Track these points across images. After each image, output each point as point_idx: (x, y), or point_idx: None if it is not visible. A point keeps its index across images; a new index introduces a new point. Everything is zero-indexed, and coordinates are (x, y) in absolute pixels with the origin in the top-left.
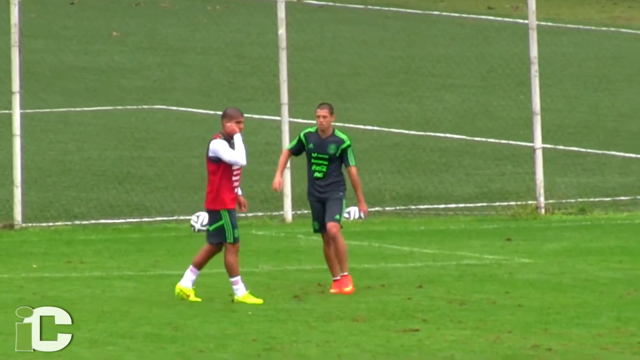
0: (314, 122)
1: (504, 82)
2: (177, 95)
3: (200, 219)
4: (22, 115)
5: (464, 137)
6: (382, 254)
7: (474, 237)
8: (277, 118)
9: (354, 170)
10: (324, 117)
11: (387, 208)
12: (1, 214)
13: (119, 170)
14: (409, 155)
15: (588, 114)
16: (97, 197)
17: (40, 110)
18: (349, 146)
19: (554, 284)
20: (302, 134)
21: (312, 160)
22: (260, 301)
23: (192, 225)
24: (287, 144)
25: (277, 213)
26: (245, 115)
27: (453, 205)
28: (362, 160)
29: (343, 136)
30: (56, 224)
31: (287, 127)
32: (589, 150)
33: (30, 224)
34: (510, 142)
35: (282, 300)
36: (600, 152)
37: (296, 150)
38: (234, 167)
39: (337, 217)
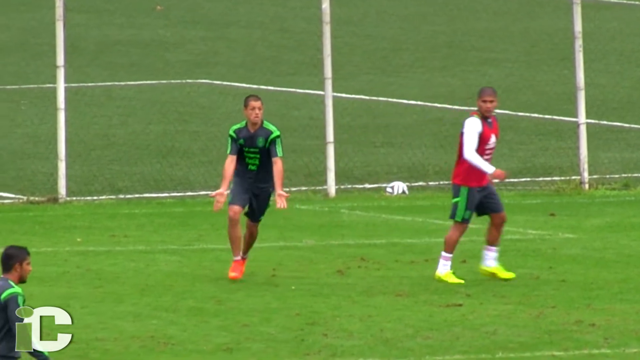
0: (357, 96)
1: (548, 56)
2: (220, 69)
3: None
4: (67, 90)
5: (507, 112)
6: (426, 229)
7: (517, 212)
8: (321, 92)
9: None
10: (259, 108)
11: (430, 183)
12: (45, 187)
13: (163, 144)
14: (453, 130)
15: (632, 89)
16: (141, 171)
17: (85, 85)
18: (277, 137)
19: (597, 259)
20: (231, 131)
21: (245, 154)
22: (462, 281)
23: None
24: (330, 118)
25: (320, 187)
26: (288, 89)
27: (496, 181)
28: (405, 135)
29: (272, 127)
30: (100, 197)
31: (330, 102)
32: (632, 125)
33: (74, 198)
34: (554, 117)
35: (325, 274)
36: None
37: (236, 151)
38: (486, 146)
39: (261, 217)
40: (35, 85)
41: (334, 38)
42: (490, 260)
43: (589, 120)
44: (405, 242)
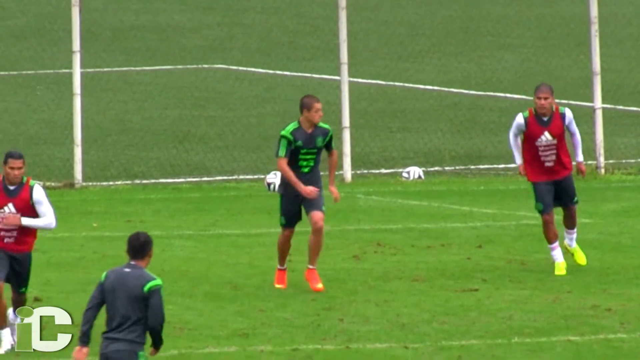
0: (373, 81)
1: (564, 42)
2: (236, 54)
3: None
4: (83, 75)
5: (523, 97)
6: (442, 214)
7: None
8: (337, 78)
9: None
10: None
11: (446, 168)
12: (62, 172)
13: (179, 129)
14: (469, 115)
15: None
16: (157, 156)
17: (101, 70)
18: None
19: (614, 244)
20: (287, 133)
21: (300, 157)
22: (563, 272)
23: (269, 184)
24: (346, 103)
25: (336, 173)
26: (305, 74)
27: (513, 165)
28: (421, 120)
29: (325, 125)
30: (116, 183)
31: (346, 87)
32: None
33: (90, 183)
34: (570, 102)
35: (341, 260)
36: None
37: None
38: (537, 143)
39: (324, 207)
40: (52, 71)
41: (350, 23)
42: (568, 241)
43: (605, 105)
44: (421, 227)
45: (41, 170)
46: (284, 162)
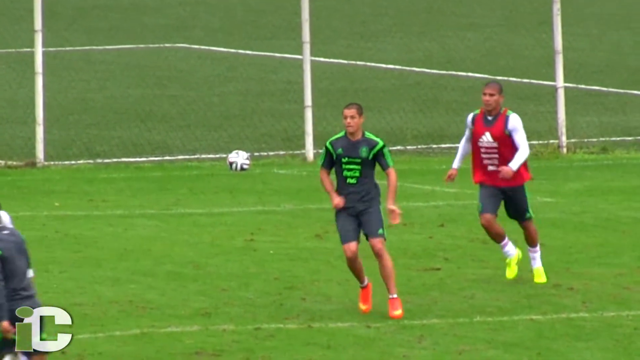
0: (335, 60)
1: (526, 20)
2: (198, 33)
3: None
4: (44, 54)
5: (486, 76)
6: (404, 193)
7: None
8: (299, 57)
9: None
10: (352, 117)
11: (408, 147)
12: (23, 152)
13: (141, 108)
14: (431, 94)
15: (610, 52)
16: (119, 135)
17: (63, 49)
18: (383, 147)
19: (576, 223)
20: (328, 142)
21: (343, 166)
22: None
23: (232, 162)
24: (308, 82)
25: (298, 152)
26: (267, 53)
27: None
28: (383, 100)
29: (375, 138)
30: (78, 162)
31: (308, 66)
32: (611, 89)
33: (52, 162)
34: (532, 81)
35: (303, 239)
36: (622, 91)
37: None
38: (479, 143)
39: (381, 231)
40: (13, 50)
41: (313, 2)
42: (531, 260)
43: (567, 85)
44: (383, 206)
45: (3, 149)
46: (321, 172)
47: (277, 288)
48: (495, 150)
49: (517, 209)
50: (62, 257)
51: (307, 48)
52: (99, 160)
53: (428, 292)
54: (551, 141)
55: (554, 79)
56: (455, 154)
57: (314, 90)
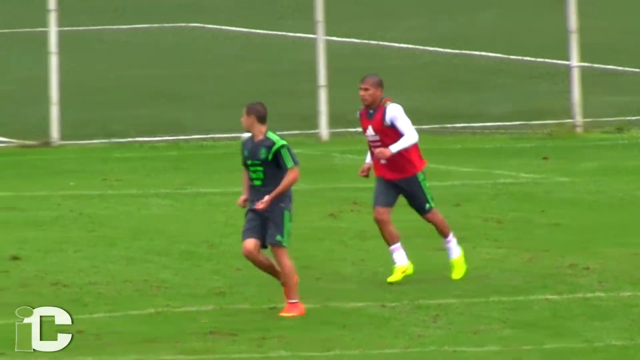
0: (349, 40)
1: None
2: (212, 13)
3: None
4: (59, 33)
5: (499, 55)
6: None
7: (510, 155)
8: (313, 36)
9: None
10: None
11: (423, 127)
12: (38, 131)
13: (156, 88)
14: (445, 73)
15: (625, 31)
16: (134, 115)
17: (77, 28)
18: (281, 147)
19: (591, 203)
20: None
21: (250, 168)
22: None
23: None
24: (322, 62)
25: (312, 131)
26: (280, 33)
27: (489, 124)
28: (397, 79)
29: (275, 137)
30: (92, 141)
31: (322, 45)
32: (626, 68)
33: (66, 142)
34: (547, 60)
35: (317, 218)
36: (638, 70)
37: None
38: (367, 138)
39: (279, 237)
40: (27, 29)
41: None
42: (447, 252)
43: (582, 64)
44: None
45: (18, 129)
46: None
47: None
48: (379, 144)
49: (415, 202)
50: (76, 237)
51: (320, 27)
52: (114, 140)
53: (443, 271)
54: (566, 121)
55: (568, 58)
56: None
57: (327, 70)
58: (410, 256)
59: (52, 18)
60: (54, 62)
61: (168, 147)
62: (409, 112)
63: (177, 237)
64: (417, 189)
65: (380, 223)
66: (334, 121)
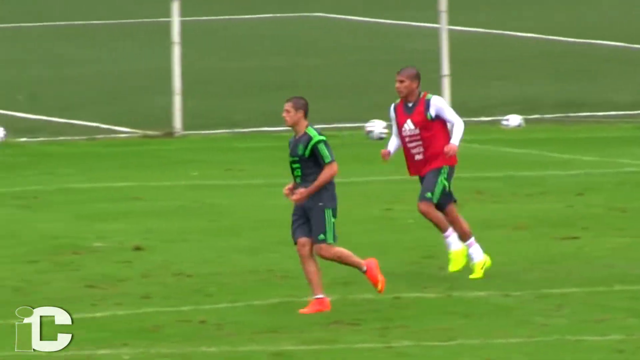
0: (472, 29)
1: None
2: (336, 3)
3: (378, 125)
4: (182, 23)
5: (623, 44)
6: (542, 162)
7: (635, 144)
8: (436, 26)
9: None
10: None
11: (546, 116)
12: (161, 121)
13: (278, 78)
14: (569, 62)
15: None
16: (257, 105)
17: (200, 18)
18: (318, 142)
19: None
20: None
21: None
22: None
23: (370, 131)
24: (445, 52)
25: None
26: (404, 22)
27: (613, 113)
28: (521, 68)
29: (312, 133)
30: (216, 131)
31: (445, 35)
32: None
33: (189, 132)
34: None
35: None
36: None
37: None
38: (402, 133)
39: (322, 236)
40: (151, 20)
41: None
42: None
43: None
44: (521, 175)
45: (141, 119)
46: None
47: (415, 257)
48: (417, 138)
49: (422, 186)
50: (199, 227)
51: (443, 17)
52: (236, 130)
53: (566, 260)
54: None
55: None
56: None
57: (451, 59)
58: (533, 245)
59: (175, 8)
60: (176, 52)
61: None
62: (533, 101)
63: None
64: (430, 177)
65: (427, 215)
66: (457, 111)
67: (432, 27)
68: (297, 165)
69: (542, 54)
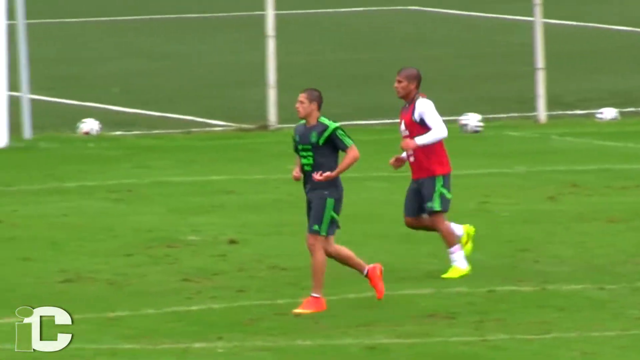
0: (567, 22)
1: None
2: None
3: (472, 118)
4: (275, 17)
5: None
6: (638, 155)
7: None
8: (530, 19)
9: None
10: (301, 102)
11: None
12: (256, 115)
13: (372, 71)
14: None
15: None
16: (352, 98)
17: (294, 12)
18: (335, 129)
19: None
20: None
21: (300, 153)
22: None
23: (464, 124)
24: (539, 44)
25: (530, 114)
26: (498, 15)
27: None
28: (616, 61)
29: (327, 122)
30: None
31: (539, 28)
32: None
33: (284, 125)
34: None
35: (536, 201)
36: None
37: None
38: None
39: (316, 227)
40: (245, 13)
41: None
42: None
43: None
44: (616, 168)
45: (235, 113)
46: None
47: (511, 250)
48: (408, 139)
49: (424, 200)
50: (294, 220)
51: (537, 10)
52: None
53: None
54: None
55: None
56: None
57: (546, 52)
58: (628, 238)
59: (269, 1)
60: (271, 45)
61: (384, 130)
62: (628, 94)
63: (395, 221)
64: (428, 188)
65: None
66: (552, 104)
67: (527, 20)
68: (309, 153)
69: (629, 45)
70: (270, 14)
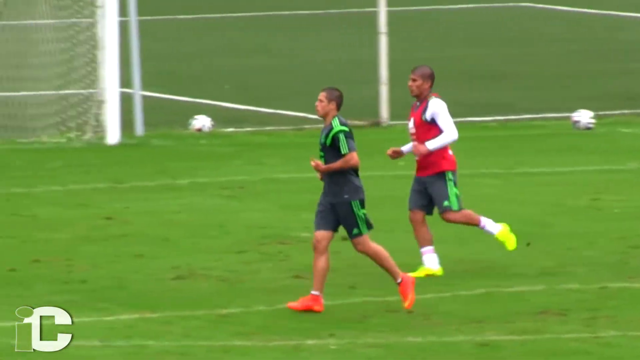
0: None
1: None
2: None
3: (584, 115)
4: (388, 13)
5: None
6: None
7: None
8: None
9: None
10: (320, 101)
11: None
12: (368, 111)
13: (484, 68)
14: None
15: None
16: (462, 94)
17: (406, 8)
18: (338, 132)
19: None
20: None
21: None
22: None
23: (576, 121)
24: None
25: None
26: (611, 12)
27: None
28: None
29: (335, 123)
30: None
31: None
32: None
33: (396, 122)
34: None
35: None
36: None
37: None
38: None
39: (356, 231)
40: (357, 10)
41: None
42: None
43: None
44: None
45: (348, 109)
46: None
47: (622, 247)
48: (415, 138)
49: (434, 199)
50: (407, 217)
51: None
52: None
53: None
54: None
55: None
56: None
57: None
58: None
59: None
60: (383, 42)
61: (497, 127)
62: None
63: (508, 217)
64: (438, 188)
65: (413, 224)
66: None
67: (637, 17)
68: (321, 153)
69: None
70: (382, 10)
